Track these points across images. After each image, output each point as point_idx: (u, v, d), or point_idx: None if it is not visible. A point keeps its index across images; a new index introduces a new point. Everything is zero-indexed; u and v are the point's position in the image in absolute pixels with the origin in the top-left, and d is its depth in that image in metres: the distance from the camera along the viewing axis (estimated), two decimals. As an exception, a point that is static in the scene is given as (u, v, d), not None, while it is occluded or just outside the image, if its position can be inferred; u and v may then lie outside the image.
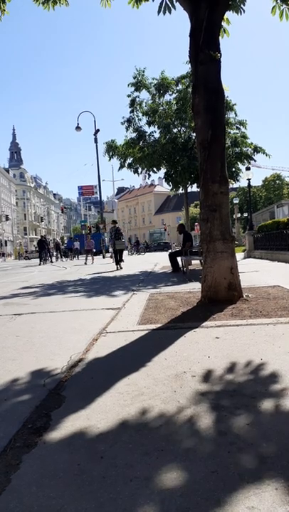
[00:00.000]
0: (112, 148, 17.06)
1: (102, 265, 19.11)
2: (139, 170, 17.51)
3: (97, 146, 30.08)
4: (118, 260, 15.08)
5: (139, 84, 16.90)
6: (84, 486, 1.48)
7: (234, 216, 42.31)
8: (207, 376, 2.53)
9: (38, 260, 28.92)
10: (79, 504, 1.38)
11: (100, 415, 2.07)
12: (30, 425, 2.00)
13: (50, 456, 1.71)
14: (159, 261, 17.81)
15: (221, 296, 4.97)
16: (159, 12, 5.93)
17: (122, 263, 15.29)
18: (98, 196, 35.08)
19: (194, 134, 12.92)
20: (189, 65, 13.89)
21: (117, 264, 14.97)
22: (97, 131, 30.36)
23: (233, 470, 1.51)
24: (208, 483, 1.44)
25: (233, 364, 2.73)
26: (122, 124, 16.85)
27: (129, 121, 16.86)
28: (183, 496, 1.38)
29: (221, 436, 1.77)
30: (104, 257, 28.76)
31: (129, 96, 17.01)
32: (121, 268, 14.62)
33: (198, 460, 1.59)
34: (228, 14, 6.24)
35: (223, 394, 2.24)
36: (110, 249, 19.61)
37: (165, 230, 65.51)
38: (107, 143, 17.16)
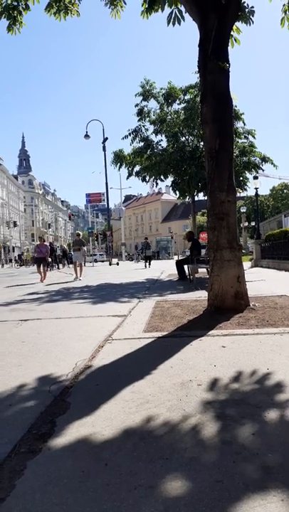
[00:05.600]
0: (119, 158, 17.16)
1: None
2: (147, 178, 17.59)
3: (105, 154, 30.29)
4: (148, 262, 23.59)
5: (147, 94, 17.04)
6: (88, 493, 1.48)
7: (241, 225, 42.24)
8: (213, 385, 2.52)
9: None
10: (83, 511, 1.38)
11: (104, 422, 2.07)
12: (35, 431, 2.00)
13: (55, 462, 1.71)
14: (165, 269, 17.79)
15: (228, 305, 4.94)
16: (168, 23, 6.01)
17: (150, 265, 22.87)
18: (106, 204, 35.26)
19: (202, 143, 12.96)
20: (198, 75, 14.02)
21: (146, 263, 23.54)
22: (105, 139, 30.59)
23: (238, 480, 1.50)
24: (212, 492, 1.43)
25: (239, 373, 2.71)
26: (127, 137, 16.85)
27: (135, 131, 16.94)
28: (187, 505, 1.37)
29: (226, 445, 1.76)
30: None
31: (136, 105, 17.15)
32: (149, 267, 21.81)
33: (203, 469, 1.58)
34: (237, 24, 6.28)
35: (228, 403, 2.22)
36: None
37: (172, 238, 65.49)
38: (114, 152, 17.27)
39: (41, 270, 14.63)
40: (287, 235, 14.51)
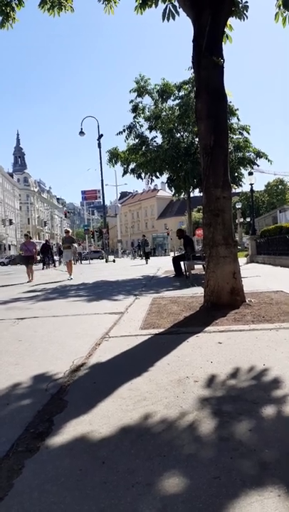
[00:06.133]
0: (114, 156, 17.08)
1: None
2: (142, 175, 17.54)
3: (100, 151, 30.16)
4: (146, 258, 25.80)
5: (141, 90, 16.97)
6: (85, 491, 1.48)
7: (237, 221, 42.24)
8: (210, 381, 2.52)
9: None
10: (80, 509, 1.38)
11: (102, 420, 2.07)
12: (32, 430, 2.00)
13: (52, 461, 1.71)
14: (161, 265, 17.81)
15: (224, 301, 4.96)
16: (163, 19, 5.98)
17: (148, 260, 25.18)
18: (101, 201, 35.23)
19: (197, 139, 12.94)
20: (192, 71, 13.98)
21: (146, 259, 25.51)
22: (100, 136, 30.47)
23: (236, 476, 1.50)
24: (210, 489, 1.44)
25: (235, 369, 2.72)
26: (121, 133, 16.75)
27: (130, 128, 16.86)
28: (185, 502, 1.38)
29: (223, 441, 1.77)
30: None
31: (131, 102, 17.07)
32: (147, 263, 22.92)
33: (200, 466, 1.59)
34: (231, 20, 6.27)
35: (225, 399, 2.23)
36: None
37: (168, 234, 65.52)
38: (109, 151, 17.18)
39: (30, 270, 13.26)
40: (283, 231, 14.56)
